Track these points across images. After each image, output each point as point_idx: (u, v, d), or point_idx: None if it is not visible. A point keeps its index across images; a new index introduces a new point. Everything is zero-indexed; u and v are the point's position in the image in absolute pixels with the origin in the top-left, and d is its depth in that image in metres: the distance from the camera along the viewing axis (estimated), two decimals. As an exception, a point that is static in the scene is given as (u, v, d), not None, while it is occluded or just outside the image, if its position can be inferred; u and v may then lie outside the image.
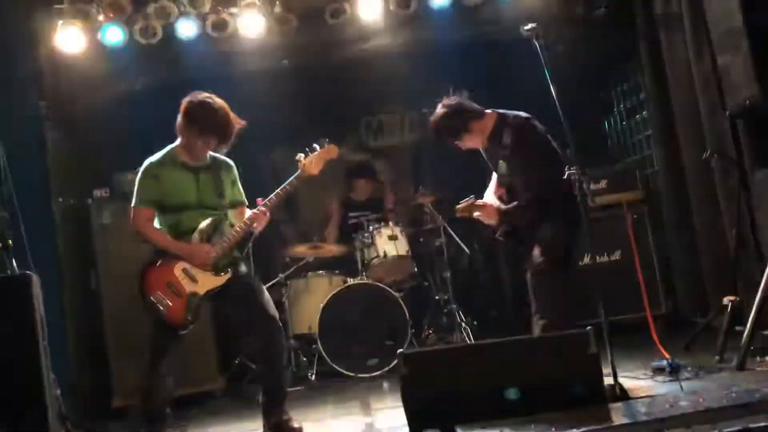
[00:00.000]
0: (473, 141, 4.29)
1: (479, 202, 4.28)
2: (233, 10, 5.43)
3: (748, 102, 3.87)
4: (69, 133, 5.54)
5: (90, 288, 5.50)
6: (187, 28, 5.37)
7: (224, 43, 5.56)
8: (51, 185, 5.30)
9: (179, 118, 3.92)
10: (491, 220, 4.20)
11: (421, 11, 5.71)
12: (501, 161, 4.17)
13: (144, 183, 3.92)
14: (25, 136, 5.09)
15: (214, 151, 4.02)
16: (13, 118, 5.05)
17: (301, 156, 4.06)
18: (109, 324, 5.32)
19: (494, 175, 4.46)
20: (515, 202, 4.16)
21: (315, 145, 4.09)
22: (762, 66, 3.66)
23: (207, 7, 5.34)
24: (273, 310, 4.00)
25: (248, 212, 4.06)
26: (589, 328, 2.74)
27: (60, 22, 5.17)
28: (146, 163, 3.96)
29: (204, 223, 3.93)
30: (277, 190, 4.00)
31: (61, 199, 5.33)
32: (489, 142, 4.28)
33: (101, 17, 5.20)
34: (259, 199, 4.03)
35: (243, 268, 4.09)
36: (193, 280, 3.89)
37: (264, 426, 4.00)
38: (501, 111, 4.24)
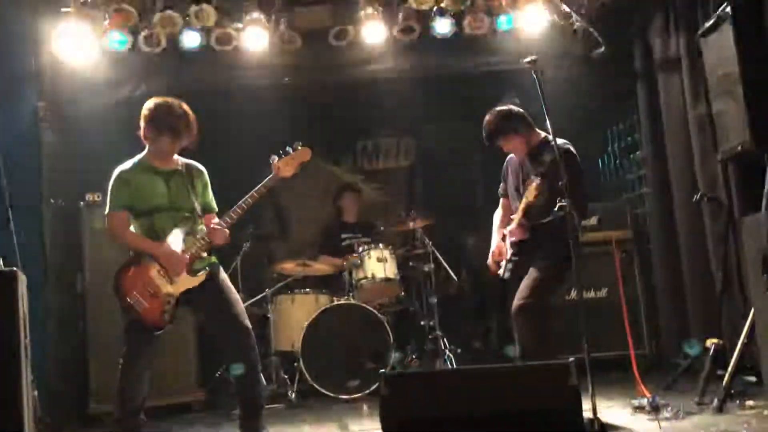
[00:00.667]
0: (517, 146, 4.41)
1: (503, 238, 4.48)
2: (238, 25, 5.47)
3: (740, 147, 3.92)
4: (65, 136, 5.54)
5: (75, 291, 5.48)
6: (191, 40, 5.40)
7: (227, 57, 5.59)
8: (43, 186, 5.29)
9: (141, 125, 4.04)
10: (520, 236, 4.33)
11: (424, 39, 5.77)
12: (534, 176, 4.19)
13: (115, 188, 4.02)
14: (21, 136, 5.10)
15: (181, 150, 4.09)
16: (11, 118, 5.08)
17: (274, 158, 4.10)
18: (92, 328, 5.29)
19: (500, 206, 4.68)
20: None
21: (288, 148, 4.12)
22: (755, 113, 3.72)
23: (212, 21, 5.37)
24: (246, 321, 4.04)
25: (216, 220, 4.10)
26: (571, 360, 2.75)
27: (65, 25, 5.20)
28: (117, 170, 4.06)
29: (176, 225, 4.00)
30: (245, 197, 4.04)
31: (52, 201, 5.32)
32: (528, 156, 4.40)
33: (107, 23, 5.22)
34: (225, 215, 4.06)
35: (217, 272, 4.11)
36: (169, 280, 3.94)
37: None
38: (543, 132, 4.37)
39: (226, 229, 4.01)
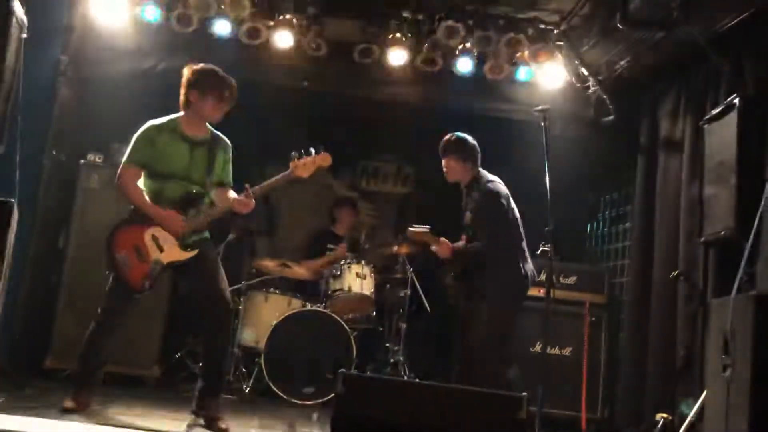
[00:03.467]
0: (457, 172, 4.81)
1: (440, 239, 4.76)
2: (269, 22, 5.61)
3: (722, 233, 4.06)
4: (81, 94, 5.65)
5: (57, 246, 5.53)
6: (221, 27, 5.55)
7: (253, 51, 5.73)
8: (50, 138, 5.36)
9: (182, 88, 4.08)
10: (444, 254, 4.74)
11: (444, 73, 5.93)
12: (468, 212, 4.73)
13: (139, 143, 4.04)
14: (38, 85, 5.17)
15: (221, 111, 4.12)
16: (32, 65, 5.15)
17: (294, 155, 4.12)
18: (65, 286, 5.33)
19: None
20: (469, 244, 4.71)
21: (311, 149, 4.15)
22: (743, 202, 3.85)
23: (246, 13, 5.51)
24: (228, 296, 4.10)
25: (232, 194, 4.14)
26: (524, 394, 2.84)
27: (103, -13, 5.33)
28: (147, 124, 4.09)
29: (183, 196, 4.05)
30: (264, 183, 4.09)
31: (54, 153, 5.39)
32: (466, 189, 4.83)
33: (145, -7, 5.36)
34: (247, 185, 4.08)
35: (209, 248, 4.18)
36: (160, 248, 4.01)
37: (193, 416, 4.03)
38: (483, 171, 4.78)
39: (252, 201, 4.03)
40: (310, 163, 4.11)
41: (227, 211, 4.12)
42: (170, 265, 4.05)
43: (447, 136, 4.81)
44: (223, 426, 3.94)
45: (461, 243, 4.79)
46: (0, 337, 4.80)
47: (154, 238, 4.01)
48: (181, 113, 4.13)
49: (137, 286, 3.99)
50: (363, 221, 7.38)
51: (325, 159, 4.17)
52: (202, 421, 4.02)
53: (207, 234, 4.19)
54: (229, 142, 4.27)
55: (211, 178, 4.12)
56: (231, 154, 4.27)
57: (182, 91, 4.09)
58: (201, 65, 4.11)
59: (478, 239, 4.64)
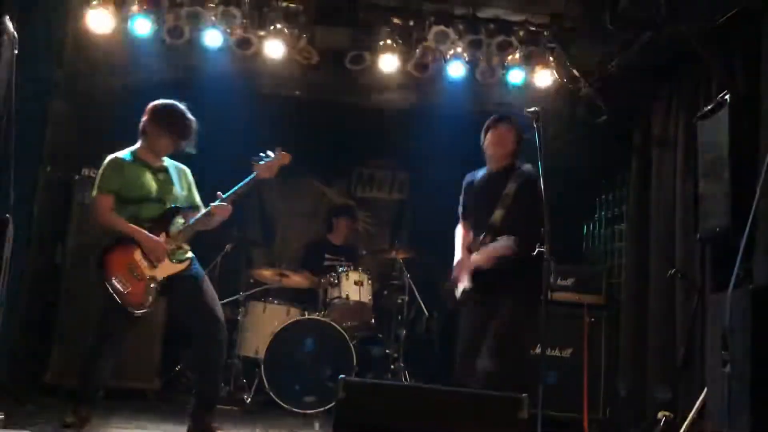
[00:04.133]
0: (508, 144, 4.38)
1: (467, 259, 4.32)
2: (260, 32, 5.63)
3: (718, 229, 4.07)
4: (75, 108, 5.64)
5: (54, 262, 5.52)
6: (213, 38, 5.56)
7: (244, 61, 5.75)
8: (44, 153, 5.36)
9: (144, 119, 4.22)
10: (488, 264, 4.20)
11: (436, 78, 5.95)
12: (499, 207, 4.22)
13: (108, 172, 4.13)
14: (32, 99, 5.18)
15: (176, 149, 4.26)
16: (26, 81, 5.15)
17: (255, 159, 4.30)
18: (63, 301, 5.31)
19: (461, 226, 4.55)
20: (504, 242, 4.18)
21: (269, 152, 4.33)
22: (737, 197, 3.87)
23: (237, 24, 5.53)
24: (220, 312, 4.15)
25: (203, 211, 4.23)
26: (524, 395, 2.84)
27: (94, 2, 5.33)
28: (111, 157, 4.19)
29: (161, 215, 4.14)
30: (233, 190, 4.20)
31: (49, 168, 5.39)
32: (496, 176, 4.36)
33: (135, 7, 5.37)
34: (219, 192, 4.21)
35: (195, 266, 4.24)
36: (152, 265, 4.04)
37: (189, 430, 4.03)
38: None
39: (230, 206, 4.17)
40: (271, 164, 4.30)
41: (206, 220, 4.19)
42: (165, 279, 4.08)
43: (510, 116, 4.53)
44: None
45: (490, 246, 4.23)
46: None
47: (144, 256, 4.05)
48: (138, 144, 4.26)
49: (138, 305, 4.01)
50: (359, 229, 7.39)
51: (285, 157, 4.35)
52: None
53: (191, 253, 4.26)
54: (185, 167, 4.40)
55: (180, 200, 4.25)
56: (192, 178, 4.41)
57: (143, 119, 4.22)
58: (165, 102, 4.24)
59: (508, 232, 4.16)
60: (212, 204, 4.17)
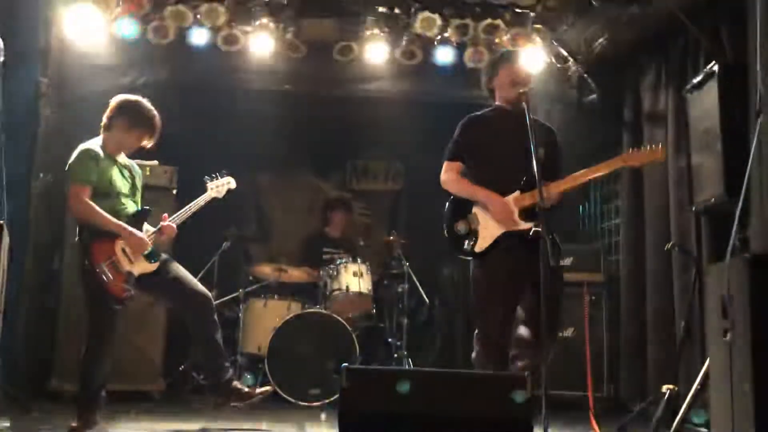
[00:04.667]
0: (523, 87, 3.83)
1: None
2: (246, 28, 5.62)
3: (713, 200, 4.08)
4: (63, 115, 5.63)
5: (52, 268, 5.52)
6: (199, 36, 5.56)
7: (232, 58, 5.75)
8: (36, 160, 5.36)
9: (110, 114, 4.19)
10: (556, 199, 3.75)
11: (425, 65, 5.94)
12: (540, 149, 3.66)
13: (85, 163, 4.06)
14: (20, 109, 5.17)
15: (141, 145, 4.27)
16: (13, 89, 5.15)
17: (207, 179, 4.46)
18: (63, 306, 5.32)
19: (451, 170, 3.99)
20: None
21: (217, 174, 4.51)
22: (730, 167, 3.87)
23: (222, 20, 5.52)
24: (202, 287, 4.27)
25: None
26: (527, 373, 2.85)
27: (78, 6, 5.31)
28: (83, 146, 4.12)
29: (136, 212, 4.20)
30: (183, 210, 4.32)
31: (41, 174, 5.38)
32: (515, 112, 3.81)
33: (119, 9, 5.35)
34: (164, 215, 4.29)
35: (166, 257, 4.30)
36: (130, 260, 4.08)
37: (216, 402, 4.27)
38: None
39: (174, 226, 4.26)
40: (221, 185, 4.46)
41: (158, 237, 4.23)
42: (142, 276, 4.11)
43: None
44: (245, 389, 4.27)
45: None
46: (2, 361, 4.79)
47: (124, 251, 4.07)
48: (101, 137, 4.20)
49: (119, 296, 4.03)
50: (356, 221, 7.39)
51: (231, 182, 4.53)
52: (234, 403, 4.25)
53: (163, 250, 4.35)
54: (139, 169, 4.44)
55: (140, 199, 4.32)
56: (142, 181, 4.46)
57: (108, 114, 4.19)
58: (132, 97, 4.24)
59: (551, 172, 3.75)
60: (162, 224, 4.22)
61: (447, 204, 3.97)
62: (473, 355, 3.79)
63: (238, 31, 5.60)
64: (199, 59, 5.67)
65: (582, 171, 3.78)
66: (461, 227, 3.82)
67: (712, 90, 4.11)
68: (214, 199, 4.46)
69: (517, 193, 3.76)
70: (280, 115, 6.43)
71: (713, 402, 3.84)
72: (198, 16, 5.47)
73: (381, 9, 5.70)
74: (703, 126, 4.22)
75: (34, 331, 5.33)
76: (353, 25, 5.72)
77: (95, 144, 4.15)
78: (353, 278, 5.82)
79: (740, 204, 3.56)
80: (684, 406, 4.16)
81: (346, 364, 2.88)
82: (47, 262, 5.50)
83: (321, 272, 6.00)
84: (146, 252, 4.10)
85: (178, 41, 5.56)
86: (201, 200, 4.38)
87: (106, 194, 4.08)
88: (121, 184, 4.16)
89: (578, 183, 3.78)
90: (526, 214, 3.73)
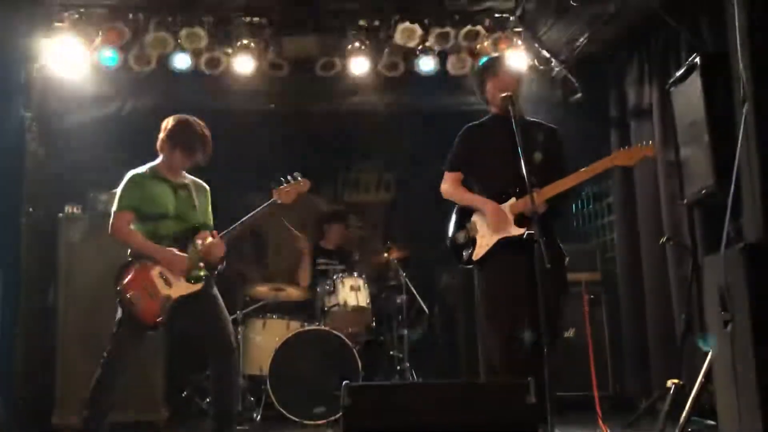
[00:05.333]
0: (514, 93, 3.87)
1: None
2: (228, 50, 5.61)
3: (704, 191, 4.07)
4: (50, 148, 5.63)
5: (47, 303, 5.48)
6: (180, 61, 5.54)
7: (215, 81, 5.74)
8: (24, 195, 5.34)
9: (161, 135, 4.21)
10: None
11: (408, 75, 5.94)
12: (535, 150, 3.79)
13: (127, 189, 4.13)
14: (6, 145, 5.17)
15: (193, 164, 4.25)
16: (1, 122, 5.15)
17: (274, 185, 4.26)
18: (61, 341, 5.27)
19: (451, 180, 4.02)
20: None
21: (289, 177, 4.29)
22: (719, 159, 3.87)
23: (203, 44, 5.51)
24: (233, 340, 4.16)
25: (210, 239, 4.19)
26: (529, 378, 2.83)
27: (58, 39, 5.30)
28: (130, 173, 4.18)
29: (178, 233, 4.12)
30: (243, 219, 4.18)
31: (31, 210, 5.36)
32: (506, 117, 3.78)
33: (99, 39, 5.34)
34: (213, 232, 4.19)
35: (210, 285, 4.21)
36: (168, 283, 4.04)
37: None
38: None
39: (224, 245, 4.14)
40: (290, 189, 4.26)
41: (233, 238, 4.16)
42: (180, 299, 4.06)
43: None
44: None
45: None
46: (3, 399, 4.76)
47: (162, 275, 4.05)
48: (157, 160, 4.24)
49: (150, 323, 4.01)
50: (352, 233, 7.37)
51: (304, 184, 4.31)
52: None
53: (207, 273, 4.22)
54: (206, 185, 4.38)
55: (198, 218, 4.23)
56: (210, 198, 4.39)
57: (160, 136, 4.22)
58: (178, 117, 4.24)
59: (548, 175, 3.76)
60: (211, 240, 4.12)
61: (454, 213, 4.01)
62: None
63: (219, 54, 5.60)
64: (183, 84, 5.66)
65: (571, 175, 3.79)
66: (461, 236, 3.88)
67: (695, 82, 4.12)
68: (281, 206, 4.23)
69: (513, 200, 3.78)
70: (267, 133, 6.42)
71: (718, 393, 3.83)
72: (179, 41, 5.46)
73: (361, 22, 5.71)
74: (689, 118, 4.23)
75: (35, 368, 5.29)
76: (334, 40, 5.72)
77: (147, 167, 4.21)
78: (351, 292, 5.79)
79: (731, 193, 3.56)
80: (690, 399, 4.14)
81: (347, 381, 2.85)
82: (41, 298, 5.46)
83: (318, 288, 5.97)
84: (188, 273, 4.06)
85: (160, 67, 5.55)
86: (260, 210, 4.18)
87: (148, 217, 4.10)
88: (170, 206, 4.13)
89: (568, 187, 3.79)
90: (522, 219, 3.74)
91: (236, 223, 4.17)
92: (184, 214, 4.18)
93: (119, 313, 4.04)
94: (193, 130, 4.19)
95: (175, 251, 4.06)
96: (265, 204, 4.21)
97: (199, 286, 4.10)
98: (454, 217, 3.98)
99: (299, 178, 4.29)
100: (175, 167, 4.22)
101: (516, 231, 3.71)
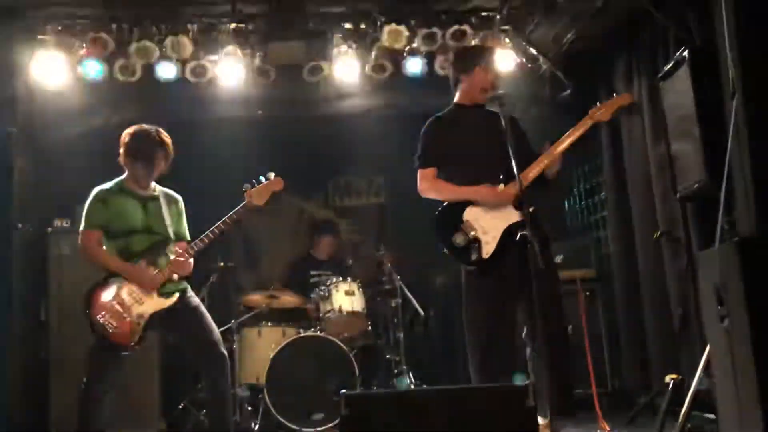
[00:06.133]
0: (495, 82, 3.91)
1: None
2: (213, 57, 5.58)
3: (696, 185, 4.06)
4: (37, 162, 5.58)
5: (39, 318, 5.44)
6: (166, 71, 5.50)
7: (202, 89, 5.71)
8: (12, 211, 5.29)
9: (121, 150, 4.16)
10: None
11: (396, 78, 5.92)
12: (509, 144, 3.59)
13: (92, 207, 4.08)
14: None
15: (159, 173, 4.19)
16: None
17: (247, 186, 4.18)
18: (54, 356, 5.25)
19: (427, 177, 3.99)
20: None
21: (261, 177, 4.22)
22: (711, 152, 3.86)
23: (188, 53, 5.47)
24: (220, 348, 4.08)
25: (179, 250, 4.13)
26: (527, 381, 2.81)
27: (41, 52, 5.26)
28: (95, 189, 4.14)
29: (149, 247, 4.06)
30: (214, 226, 4.11)
31: (20, 226, 5.31)
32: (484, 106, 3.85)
33: (83, 51, 5.30)
34: (181, 243, 4.15)
35: (189, 297, 4.15)
36: (140, 302, 3.97)
37: None
38: None
39: (190, 260, 4.09)
40: (263, 189, 4.20)
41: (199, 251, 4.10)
42: (154, 316, 4.00)
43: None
44: None
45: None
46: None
47: (131, 293, 3.98)
48: (124, 174, 4.20)
49: (125, 344, 3.94)
50: (344, 239, 7.34)
51: (277, 183, 4.25)
52: None
53: (184, 283, 4.17)
54: (177, 195, 4.32)
55: (170, 228, 4.17)
56: (183, 207, 4.33)
57: (120, 151, 4.17)
58: (135, 129, 4.17)
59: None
60: (174, 258, 4.06)
61: (435, 220, 3.88)
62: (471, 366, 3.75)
63: (205, 62, 5.56)
64: (169, 93, 5.62)
65: (555, 143, 3.73)
66: (459, 239, 3.73)
67: (684, 75, 4.11)
68: (255, 208, 4.16)
69: (501, 186, 3.70)
70: (256, 140, 6.39)
71: (718, 387, 3.81)
72: (164, 51, 5.42)
73: (347, 26, 5.68)
74: (679, 113, 4.21)
75: (29, 385, 5.24)
76: (320, 44, 5.68)
77: (114, 182, 4.16)
78: (345, 297, 5.76)
79: (724, 187, 3.55)
80: (689, 394, 4.12)
81: (345, 390, 2.81)
82: (33, 313, 5.41)
83: (312, 295, 5.94)
84: (159, 287, 4.00)
85: (146, 77, 5.50)
86: (233, 214, 4.09)
87: (117, 233, 4.05)
88: (138, 220, 4.08)
89: (555, 157, 3.74)
90: (519, 204, 3.66)
91: (208, 230, 4.10)
92: (155, 227, 4.12)
93: (93, 339, 3.96)
94: (150, 140, 4.12)
95: (145, 268, 3.99)
96: (236, 208, 4.13)
97: (173, 300, 4.04)
98: (439, 221, 3.84)
99: (272, 177, 4.22)
100: (140, 180, 4.16)
101: (516, 216, 3.63)
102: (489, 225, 3.68)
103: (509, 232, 3.64)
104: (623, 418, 4.86)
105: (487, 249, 3.66)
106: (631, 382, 5.62)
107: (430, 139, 3.92)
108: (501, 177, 3.69)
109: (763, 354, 3.17)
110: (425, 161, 3.90)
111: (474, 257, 3.66)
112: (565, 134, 3.75)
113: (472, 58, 3.96)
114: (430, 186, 3.88)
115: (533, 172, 3.69)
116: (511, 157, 3.43)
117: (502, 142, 3.50)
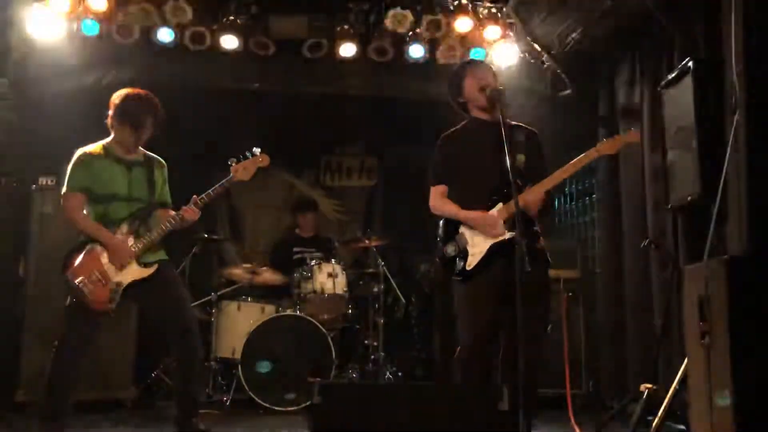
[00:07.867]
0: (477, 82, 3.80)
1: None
2: (213, 26, 5.49)
3: (689, 198, 4.03)
4: (26, 117, 5.48)
5: (17, 276, 5.36)
6: (164, 35, 5.41)
7: (199, 57, 5.62)
8: (-3, 165, 5.21)
9: (109, 112, 4.07)
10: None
11: (397, 61, 5.85)
12: (518, 153, 3.66)
13: (75, 170, 4.00)
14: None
15: (147, 139, 4.12)
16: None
17: (233, 161, 4.14)
18: (29, 315, 5.17)
19: (438, 194, 3.87)
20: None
21: (248, 153, 4.18)
22: (706, 166, 3.84)
23: (188, 18, 5.38)
24: (190, 322, 4.03)
25: (172, 213, 4.08)
26: (504, 384, 2.78)
27: (39, 5, 5.15)
28: (79, 151, 4.05)
29: (129, 216, 3.99)
30: (208, 191, 4.05)
31: (3, 180, 5.22)
32: (489, 121, 3.77)
33: (81, 8, 5.19)
34: (195, 195, 4.06)
35: (168, 269, 4.10)
36: (118, 268, 3.91)
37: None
38: None
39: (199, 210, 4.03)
40: (249, 165, 4.15)
41: (178, 224, 4.03)
42: (132, 284, 3.95)
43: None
44: None
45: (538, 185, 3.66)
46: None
47: (111, 260, 3.91)
48: (111, 136, 4.11)
49: (101, 309, 3.89)
50: (330, 218, 7.30)
51: (263, 159, 4.20)
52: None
53: (164, 254, 4.12)
54: (162, 161, 4.24)
55: (154, 195, 4.10)
56: (166, 173, 4.25)
57: (109, 112, 4.08)
58: (127, 91, 4.09)
59: (533, 176, 3.70)
60: (184, 207, 4.02)
61: (440, 226, 3.89)
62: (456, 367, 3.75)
63: (204, 29, 5.46)
64: (166, 58, 5.53)
65: (556, 172, 3.72)
66: (450, 249, 3.77)
67: (686, 86, 4.07)
68: (240, 182, 4.14)
69: (500, 206, 3.72)
70: (250, 113, 6.31)
71: (692, 401, 3.81)
72: (164, 14, 5.32)
73: (351, 5, 5.59)
74: (679, 123, 4.18)
75: (0, 342, 5.17)
76: (323, 21, 5.60)
77: (99, 144, 4.07)
78: (328, 279, 5.73)
79: (717, 203, 3.52)
80: (663, 405, 4.12)
81: (318, 379, 2.78)
82: (11, 270, 5.34)
83: (295, 274, 5.89)
84: (139, 257, 3.94)
85: (143, 40, 5.41)
86: (217, 187, 4.05)
87: (99, 199, 3.97)
88: (121, 186, 4.00)
89: (553, 184, 3.72)
90: (512, 224, 3.66)
91: (202, 195, 4.04)
92: (138, 193, 4.05)
93: (68, 300, 3.92)
94: (141, 105, 4.05)
95: (122, 239, 3.93)
96: (223, 181, 4.08)
97: (151, 270, 3.99)
98: (441, 230, 3.87)
99: (258, 153, 4.18)
100: (127, 144, 4.07)
101: (509, 235, 3.64)
102: (478, 240, 3.72)
103: (496, 248, 3.66)
104: (595, 421, 4.86)
105: (471, 261, 3.69)
106: (606, 386, 5.63)
107: (437, 155, 3.93)
108: (503, 195, 3.67)
109: (740, 372, 3.16)
110: (435, 179, 3.92)
111: (459, 268, 3.70)
112: (569, 163, 3.73)
113: (457, 79, 3.94)
114: (434, 205, 3.91)
115: (535, 194, 3.66)
116: (510, 178, 3.42)
117: (512, 157, 3.50)
